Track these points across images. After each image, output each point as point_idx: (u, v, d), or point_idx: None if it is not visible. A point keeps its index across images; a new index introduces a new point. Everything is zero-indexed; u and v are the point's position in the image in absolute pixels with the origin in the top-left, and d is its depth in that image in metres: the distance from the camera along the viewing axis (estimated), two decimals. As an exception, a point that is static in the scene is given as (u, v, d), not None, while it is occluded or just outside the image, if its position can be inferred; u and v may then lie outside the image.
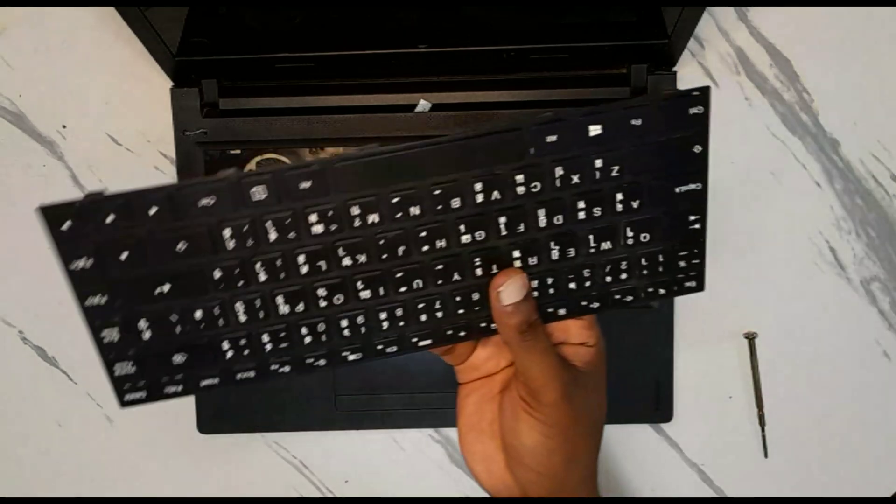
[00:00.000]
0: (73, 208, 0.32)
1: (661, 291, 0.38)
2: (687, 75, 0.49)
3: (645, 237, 0.37)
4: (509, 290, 0.35)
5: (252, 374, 0.36)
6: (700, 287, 0.38)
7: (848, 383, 0.52)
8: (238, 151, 0.49)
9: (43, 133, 0.51)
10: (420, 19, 0.45)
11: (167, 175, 0.50)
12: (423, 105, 0.48)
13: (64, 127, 0.51)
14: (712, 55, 0.50)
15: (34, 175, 0.51)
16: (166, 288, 0.33)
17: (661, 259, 0.37)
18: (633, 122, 0.34)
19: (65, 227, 0.32)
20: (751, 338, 0.51)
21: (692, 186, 0.36)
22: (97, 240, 0.32)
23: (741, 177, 0.50)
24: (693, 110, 0.35)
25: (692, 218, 0.37)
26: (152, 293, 0.33)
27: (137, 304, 0.33)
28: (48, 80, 0.50)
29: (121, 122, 0.50)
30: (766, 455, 0.52)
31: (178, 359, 0.35)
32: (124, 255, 0.32)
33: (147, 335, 0.34)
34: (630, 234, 0.36)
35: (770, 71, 0.50)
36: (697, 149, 0.35)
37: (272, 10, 0.44)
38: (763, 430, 0.52)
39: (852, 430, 0.52)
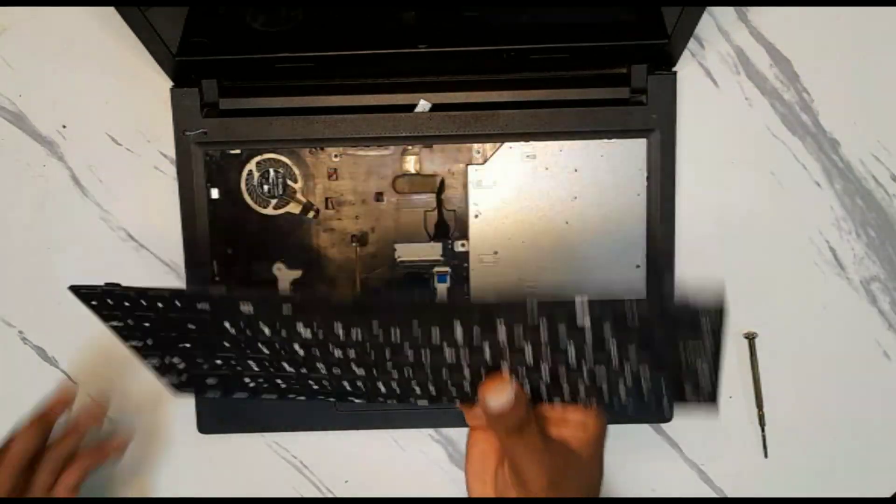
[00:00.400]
0: (95, 292, 0.37)
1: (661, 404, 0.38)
2: (687, 75, 0.49)
3: (643, 381, 0.36)
4: (497, 399, 0.36)
5: (274, 395, 0.40)
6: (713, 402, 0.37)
7: (848, 383, 0.52)
8: (238, 151, 0.49)
9: (43, 133, 0.51)
10: (420, 19, 0.45)
11: (167, 175, 0.50)
12: (423, 105, 0.48)
13: (64, 127, 0.51)
14: (712, 55, 0.50)
15: (34, 175, 0.51)
16: (188, 345, 0.38)
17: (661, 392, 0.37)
18: (630, 318, 0.34)
19: (94, 302, 0.37)
20: (751, 338, 0.51)
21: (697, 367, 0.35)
22: (122, 313, 0.37)
23: (741, 177, 0.50)
24: (704, 322, 0.33)
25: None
26: (177, 346, 0.38)
27: (168, 351, 0.39)
28: (48, 80, 0.50)
29: (121, 122, 0.50)
30: (766, 455, 0.52)
31: (211, 381, 0.40)
32: (147, 324, 0.37)
33: (181, 366, 0.39)
34: (624, 382, 0.36)
35: (770, 71, 0.50)
36: (707, 347, 0.34)
37: (272, 9, 0.44)
38: (763, 430, 0.52)
39: (852, 430, 0.52)
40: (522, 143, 0.49)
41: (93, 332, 0.51)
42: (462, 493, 0.53)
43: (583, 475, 0.39)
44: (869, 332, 0.52)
